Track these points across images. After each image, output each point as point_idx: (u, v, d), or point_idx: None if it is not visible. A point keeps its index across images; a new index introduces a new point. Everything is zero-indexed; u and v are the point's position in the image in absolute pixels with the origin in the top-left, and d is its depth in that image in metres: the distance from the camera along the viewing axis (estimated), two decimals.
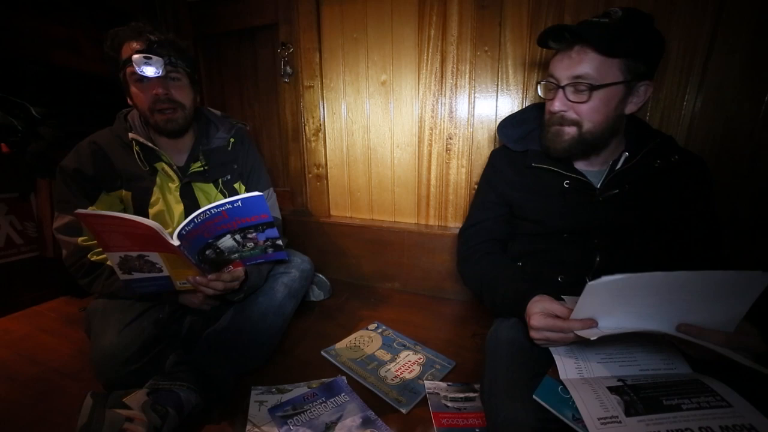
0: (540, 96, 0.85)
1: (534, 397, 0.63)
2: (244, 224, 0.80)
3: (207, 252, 0.82)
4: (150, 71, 0.88)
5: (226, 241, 0.82)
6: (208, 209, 0.73)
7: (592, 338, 0.60)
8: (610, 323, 0.63)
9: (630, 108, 0.79)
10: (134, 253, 0.77)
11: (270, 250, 0.90)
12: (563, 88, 0.78)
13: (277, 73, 1.59)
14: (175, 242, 0.72)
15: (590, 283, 0.58)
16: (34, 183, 1.40)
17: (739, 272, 0.54)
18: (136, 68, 0.87)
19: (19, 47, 1.37)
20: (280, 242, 0.88)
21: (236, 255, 0.87)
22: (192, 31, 1.74)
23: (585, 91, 0.75)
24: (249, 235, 0.83)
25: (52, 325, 1.27)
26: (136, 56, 0.86)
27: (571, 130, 0.80)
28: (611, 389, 0.59)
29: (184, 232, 0.73)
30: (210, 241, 0.80)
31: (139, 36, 0.89)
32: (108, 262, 0.92)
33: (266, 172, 1.21)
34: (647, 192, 0.82)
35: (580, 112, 0.78)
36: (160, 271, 0.81)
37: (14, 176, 1.35)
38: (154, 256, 0.78)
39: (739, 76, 1.00)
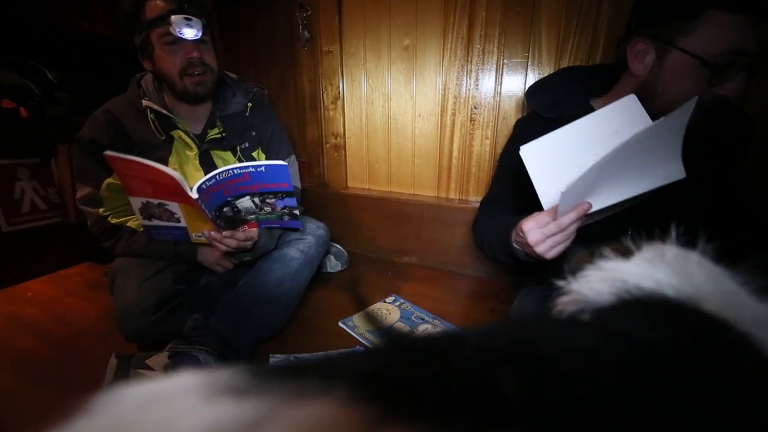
0: (717, 79, 0.63)
1: None
2: (264, 189, 0.79)
3: (224, 209, 0.83)
4: (190, 33, 0.83)
5: (245, 202, 0.82)
6: (232, 168, 0.74)
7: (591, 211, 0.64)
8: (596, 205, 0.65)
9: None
10: (155, 201, 0.78)
11: (286, 218, 0.90)
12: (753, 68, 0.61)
13: (294, 39, 1.53)
14: (194, 195, 0.73)
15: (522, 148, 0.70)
16: (54, 148, 1.41)
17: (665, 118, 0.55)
18: (176, 30, 0.81)
19: (34, 11, 1.34)
20: (296, 212, 0.88)
21: (252, 216, 0.88)
22: None
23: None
24: (268, 200, 0.83)
25: (77, 289, 1.30)
26: (175, 17, 0.81)
27: None
28: None
29: (204, 186, 0.74)
30: (229, 199, 0.81)
31: None
32: (129, 223, 0.94)
33: (288, 140, 1.18)
34: (690, 153, 0.75)
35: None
36: (178, 221, 0.83)
37: (35, 141, 1.36)
38: (174, 206, 0.79)
39: None
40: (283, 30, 1.59)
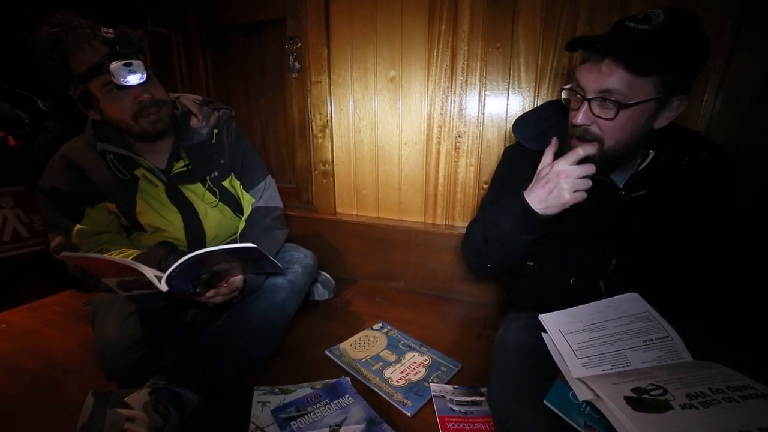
0: (563, 101, 0.79)
1: (545, 402, 0.61)
2: (240, 258, 0.79)
3: (203, 276, 0.80)
4: (134, 79, 0.76)
5: (221, 266, 0.81)
6: (200, 253, 0.69)
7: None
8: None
9: (660, 122, 0.73)
10: (130, 278, 0.74)
11: (268, 268, 0.89)
12: (589, 101, 0.71)
13: (284, 69, 1.57)
14: (164, 288, 0.69)
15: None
16: (41, 176, 1.40)
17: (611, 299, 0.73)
18: (119, 79, 0.75)
19: (26, 39, 1.36)
20: (278, 264, 0.87)
21: (233, 271, 0.87)
22: (198, 26, 1.73)
23: (612, 108, 0.69)
24: (246, 262, 0.82)
25: (56, 319, 1.26)
26: (114, 65, 0.74)
27: (594, 146, 0.74)
28: (634, 390, 0.56)
29: (173, 273, 0.70)
30: (204, 270, 0.79)
31: (90, 37, 0.75)
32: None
33: (260, 160, 1.12)
34: (674, 192, 0.78)
35: (604, 128, 0.72)
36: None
37: (21, 169, 1.35)
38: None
39: (761, 76, 0.97)
40: (273, 60, 1.64)
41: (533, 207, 0.76)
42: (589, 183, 0.73)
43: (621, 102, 0.68)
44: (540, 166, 0.79)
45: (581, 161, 0.74)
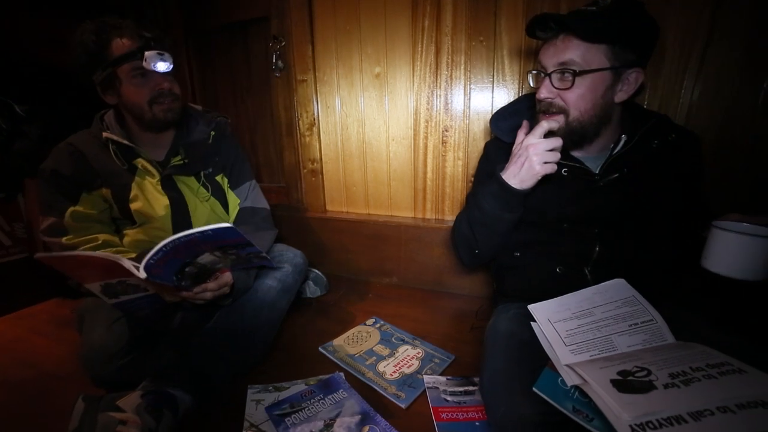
0: (531, 86, 0.85)
1: (534, 389, 0.62)
2: (221, 245, 0.77)
3: (187, 269, 0.79)
4: (163, 66, 0.90)
5: (206, 257, 0.79)
6: (177, 238, 0.69)
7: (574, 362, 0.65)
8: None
9: (620, 96, 0.78)
10: (114, 280, 0.74)
11: (255, 260, 0.88)
12: (549, 75, 0.78)
13: (269, 68, 1.56)
14: (142, 275, 0.68)
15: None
16: (22, 183, 1.37)
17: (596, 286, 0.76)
18: (150, 64, 0.88)
19: (6, 44, 1.34)
20: (264, 254, 0.87)
21: (220, 265, 0.85)
22: (182, 26, 1.71)
23: (570, 78, 0.75)
24: (230, 251, 0.81)
25: (44, 327, 1.24)
26: (149, 53, 0.87)
27: (559, 120, 0.79)
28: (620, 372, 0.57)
29: (152, 261, 0.69)
30: (187, 260, 0.77)
31: (133, 32, 0.89)
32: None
33: (248, 165, 1.20)
34: (647, 174, 0.81)
35: (567, 99, 0.77)
36: (146, 290, 0.79)
37: (0, 176, 1.33)
38: (135, 279, 0.74)
39: (738, 63, 0.99)
40: (259, 59, 1.63)
41: (509, 183, 0.80)
42: (557, 155, 0.77)
43: (576, 70, 0.74)
44: (514, 148, 0.83)
45: (549, 135, 0.78)
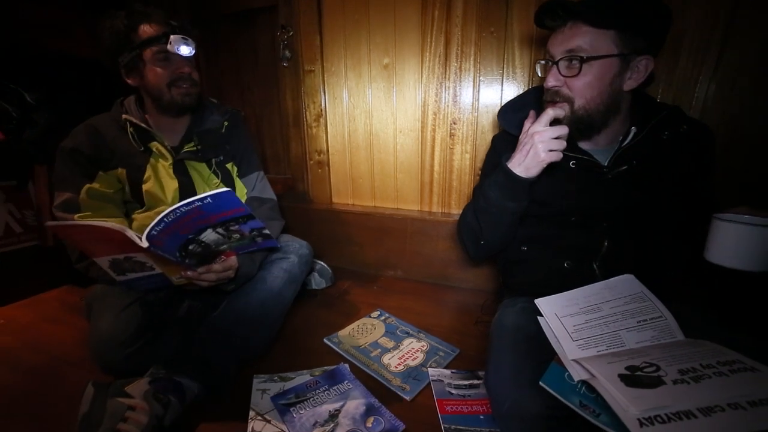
0: (539, 75, 0.84)
1: (540, 383, 0.62)
2: (222, 218, 0.77)
3: (191, 247, 0.79)
4: (186, 51, 0.94)
5: (209, 235, 0.80)
6: (178, 207, 0.70)
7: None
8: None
9: (629, 84, 0.76)
10: (121, 256, 0.75)
11: (259, 239, 0.88)
12: (557, 63, 0.77)
13: (276, 58, 1.55)
14: (144, 244, 0.69)
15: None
16: (32, 170, 1.39)
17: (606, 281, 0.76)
18: (174, 47, 0.92)
19: (14, 33, 1.34)
20: (267, 231, 0.87)
21: (225, 246, 0.85)
22: (189, 15, 1.70)
23: (577, 65, 0.74)
24: (232, 227, 0.81)
25: (55, 314, 1.26)
26: (174, 36, 0.92)
27: (565, 107, 0.78)
28: (628, 368, 0.57)
29: (154, 232, 0.70)
30: (190, 236, 0.77)
31: (160, 19, 0.94)
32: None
33: (257, 157, 1.23)
34: (657, 166, 0.79)
35: (573, 87, 0.76)
36: (152, 269, 0.80)
37: (11, 164, 1.34)
38: (141, 256, 0.76)
39: (755, 60, 0.96)
40: (266, 49, 1.62)
41: (514, 171, 0.79)
42: (563, 144, 0.76)
43: (583, 57, 0.73)
44: (520, 137, 0.82)
45: (554, 123, 0.77)
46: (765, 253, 0.61)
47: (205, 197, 0.70)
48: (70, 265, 0.97)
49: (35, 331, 1.16)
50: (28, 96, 1.32)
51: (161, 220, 0.69)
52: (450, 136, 1.36)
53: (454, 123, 1.34)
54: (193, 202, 0.70)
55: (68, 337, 1.11)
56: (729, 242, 0.64)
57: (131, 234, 0.68)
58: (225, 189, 0.71)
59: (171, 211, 0.69)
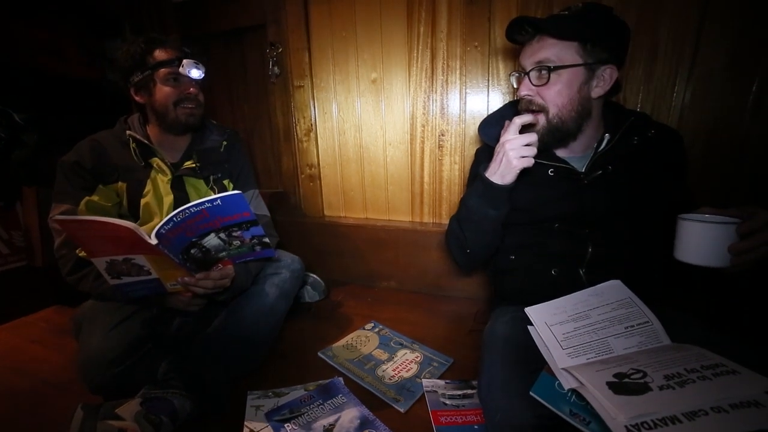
0: (514, 86, 0.89)
1: (531, 393, 0.62)
2: (227, 222, 0.79)
3: (192, 251, 0.81)
4: (196, 74, 1.00)
5: (212, 240, 0.81)
6: (187, 208, 0.73)
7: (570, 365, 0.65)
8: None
9: (596, 92, 0.81)
10: (120, 257, 0.76)
11: (258, 248, 0.89)
12: (528, 74, 0.82)
13: (266, 74, 1.57)
14: (153, 241, 0.72)
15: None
16: (20, 191, 1.38)
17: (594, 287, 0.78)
18: (186, 70, 0.97)
19: (4, 53, 1.34)
20: (266, 240, 0.88)
21: (224, 253, 0.86)
22: (179, 33, 1.71)
23: (546, 74, 0.80)
24: (234, 233, 0.82)
25: (42, 336, 1.24)
26: (187, 60, 0.98)
27: (540, 119, 0.82)
28: (616, 375, 0.58)
29: (163, 231, 0.72)
30: (194, 240, 0.79)
31: (175, 45, 1.01)
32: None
33: (253, 176, 1.25)
34: (630, 170, 0.83)
35: (545, 95, 0.81)
36: (149, 273, 0.80)
37: None
38: (140, 259, 0.77)
39: (727, 66, 1.00)
40: (255, 66, 1.64)
41: (491, 179, 0.84)
42: (533, 150, 0.80)
43: (551, 66, 0.79)
44: (496, 147, 0.86)
45: (526, 131, 0.82)
46: (725, 249, 0.64)
47: (215, 199, 0.73)
48: (58, 284, 0.96)
49: (21, 354, 1.14)
50: (17, 116, 1.32)
51: (171, 219, 0.72)
52: (438, 147, 1.38)
53: (443, 135, 1.37)
54: (203, 203, 0.73)
55: (55, 360, 1.09)
56: (692, 240, 0.67)
57: (140, 231, 0.70)
58: (235, 192, 0.74)
59: (180, 211, 0.72)
